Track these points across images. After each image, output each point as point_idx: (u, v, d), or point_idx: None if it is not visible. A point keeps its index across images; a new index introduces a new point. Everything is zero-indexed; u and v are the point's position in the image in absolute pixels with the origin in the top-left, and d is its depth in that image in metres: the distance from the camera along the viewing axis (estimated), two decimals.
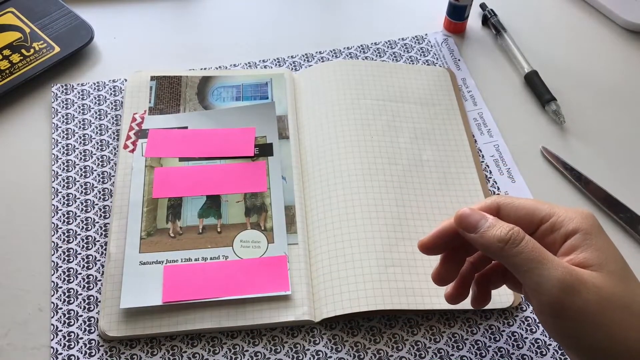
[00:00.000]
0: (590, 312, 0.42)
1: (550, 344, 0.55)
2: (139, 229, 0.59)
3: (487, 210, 0.47)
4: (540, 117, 0.71)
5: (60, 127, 0.67)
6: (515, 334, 0.56)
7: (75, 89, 0.70)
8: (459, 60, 0.76)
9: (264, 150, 0.65)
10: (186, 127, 0.66)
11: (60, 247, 0.59)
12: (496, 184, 0.65)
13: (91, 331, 0.55)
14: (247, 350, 0.54)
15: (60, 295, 0.56)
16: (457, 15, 0.77)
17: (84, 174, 0.64)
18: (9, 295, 0.57)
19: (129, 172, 0.63)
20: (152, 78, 0.70)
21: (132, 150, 0.64)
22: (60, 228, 0.60)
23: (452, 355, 0.54)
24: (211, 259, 0.58)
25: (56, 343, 0.54)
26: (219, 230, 0.60)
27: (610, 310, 0.42)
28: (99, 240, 0.60)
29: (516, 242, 0.44)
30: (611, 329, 0.42)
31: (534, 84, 0.73)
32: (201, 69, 0.73)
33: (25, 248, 0.60)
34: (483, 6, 0.81)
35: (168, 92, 0.69)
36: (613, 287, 0.43)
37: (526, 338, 0.55)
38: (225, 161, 0.64)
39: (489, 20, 0.79)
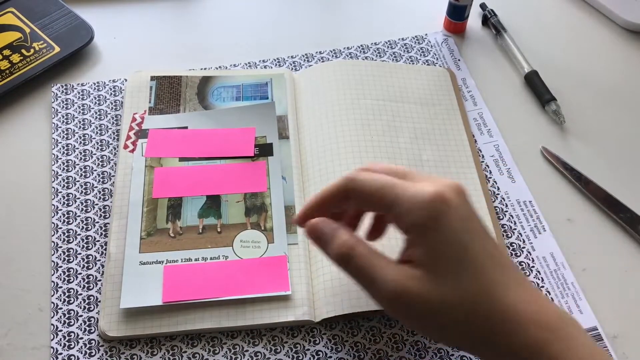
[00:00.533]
0: (420, 317, 0.43)
1: None
2: (139, 229, 0.59)
3: (336, 198, 0.47)
4: (540, 117, 0.71)
5: (60, 127, 0.67)
6: None
7: (75, 89, 0.70)
8: (459, 60, 0.76)
9: (264, 150, 0.65)
10: (186, 127, 0.66)
11: (60, 247, 0.59)
12: (496, 183, 0.65)
13: (91, 331, 0.55)
14: (247, 350, 0.54)
15: (60, 295, 0.56)
16: (457, 15, 0.77)
17: (84, 174, 0.64)
18: (9, 295, 0.57)
19: (129, 172, 0.63)
20: (152, 78, 0.70)
21: (132, 150, 0.64)
22: (60, 228, 0.60)
23: (452, 355, 0.54)
24: (211, 259, 0.58)
25: (56, 343, 0.54)
26: (219, 230, 0.60)
27: (434, 315, 0.42)
28: (99, 240, 0.60)
29: (344, 262, 0.45)
30: (438, 332, 0.43)
31: (534, 84, 0.73)
32: (201, 69, 0.73)
33: (26, 248, 0.60)
34: (483, 6, 0.81)
35: (168, 92, 0.69)
36: (437, 288, 0.42)
37: None
38: (225, 161, 0.64)
39: (489, 20, 0.79)
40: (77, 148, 0.66)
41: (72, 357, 0.53)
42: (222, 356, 0.54)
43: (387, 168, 0.47)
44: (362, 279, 0.44)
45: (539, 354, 0.40)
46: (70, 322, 0.55)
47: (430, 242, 0.42)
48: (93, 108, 0.69)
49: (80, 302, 0.56)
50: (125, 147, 0.64)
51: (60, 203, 0.62)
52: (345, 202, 0.47)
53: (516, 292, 0.42)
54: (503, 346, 0.41)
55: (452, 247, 0.42)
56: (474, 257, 0.42)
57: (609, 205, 0.63)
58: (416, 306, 0.42)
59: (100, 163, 0.65)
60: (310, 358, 0.54)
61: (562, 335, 0.41)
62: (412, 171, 0.47)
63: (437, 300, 0.41)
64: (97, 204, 0.62)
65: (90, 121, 0.68)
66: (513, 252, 0.60)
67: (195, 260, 0.58)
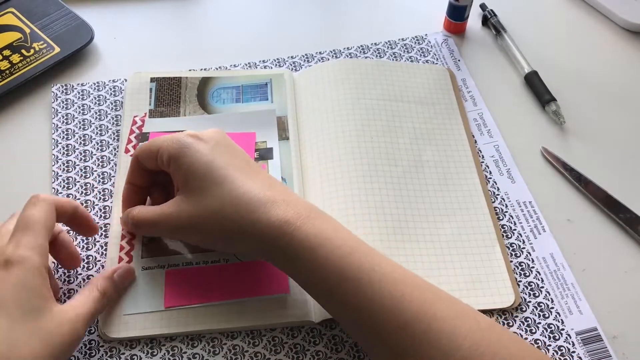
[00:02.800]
0: (179, 231, 0.54)
1: (550, 345, 0.55)
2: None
3: (137, 171, 0.58)
4: (540, 118, 0.71)
5: (60, 127, 0.67)
6: (515, 334, 0.55)
7: (75, 89, 0.70)
8: (459, 60, 0.76)
9: (265, 154, 0.64)
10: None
11: None
12: (496, 184, 0.65)
13: (91, 331, 0.55)
14: (247, 351, 0.54)
15: (61, 296, 0.56)
16: (457, 15, 0.77)
17: (84, 175, 0.64)
18: None
19: None
20: (152, 79, 0.70)
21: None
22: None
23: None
24: (212, 262, 0.58)
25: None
26: None
27: (187, 229, 0.52)
28: (99, 241, 0.60)
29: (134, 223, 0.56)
30: (204, 236, 0.53)
31: (534, 84, 0.73)
32: (201, 69, 0.73)
33: None
34: (483, 6, 0.81)
35: (168, 94, 0.69)
36: (188, 205, 0.52)
37: (526, 339, 0.55)
38: None
39: (489, 20, 0.79)
40: (77, 148, 0.66)
41: (72, 358, 0.53)
42: (222, 357, 0.54)
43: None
44: (148, 225, 0.55)
45: (279, 230, 0.48)
46: None
47: (183, 166, 0.52)
48: (93, 108, 0.69)
49: None
50: (127, 151, 0.64)
51: None
52: (143, 172, 0.57)
53: (255, 182, 0.51)
54: (252, 231, 0.49)
55: (197, 171, 0.51)
56: (218, 168, 0.51)
57: (608, 205, 0.63)
58: (171, 224, 0.52)
59: (101, 163, 0.65)
60: (310, 358, 0.54)
61: (302, 217, 0.49)
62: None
63: (179, 216, 0.52)
64: (97, 205, 0.62)
65: (91, 121, 0.68)
66: (513, 253, 0.60)
67: (196, 264, 0.58)
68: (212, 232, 0.51)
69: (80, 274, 0.58)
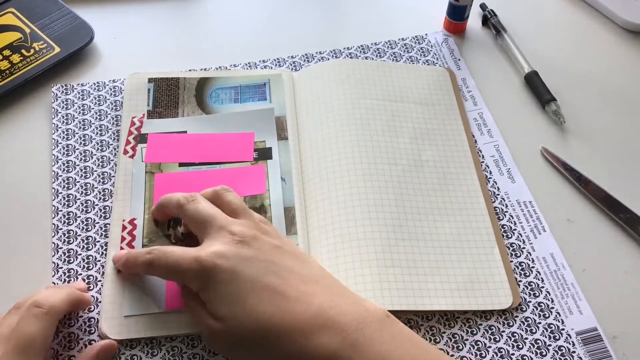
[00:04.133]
0: (228, 350, 0.50)
1: (550, 345, 0.55)
2: (140, 236, 0.59)
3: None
4: (540, 118, 0.71)
5: (60, 127, 0.67)
6: (515, 334, 0.56)
7: (75, 89, 0.70)
8: (459, 60, 0.76)
9: (264, 154, 0.64)
10: (185, 132, 0.66)
11: (61, 247, 0.59)
12: (496, 184, 0.65)
13: (91, 332, 0.55)
14: None
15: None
16: (457, 15, 0.77)
17: (84, 175, 0.64)
18: (9, 296, 0.57)
19: (130, 178, 0.62)
20: (150, 80, 0.70)
21: (132, 156, 0.64)
22: (61, 229, 0.60)
23: (452, 355, 0.54)
24: None
25: (57, 344, 0.54)
26: None
27: (238, 346, 0.48)
28: (99, 241, 0.60)
29: (149, 266, 0.53)
30: (251, 357, 0.49)
31: (534, 84, 0.73)
32: (201, 69, 0.73)
33: (26, 249, 0.60)
34: (483, 6, 0.81)
35: (166, 95, 0.69)
36: (231, 331, 0.48)
37: (526, 339, 0.55)
38: (224, 166, 0.64)
39: (489, 20, 0.79)
40: (78, 149, 0.66)
41: (72, 358, 0.53)
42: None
43: (193, 214, 0.54)
44: (169, 272, 0.52)
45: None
46: (71, 322, 0.55)
47: (209, 299, 0.49)
48: (93, 108, 0.69)
49: None
50: (125, 152, 0.64)
51: (61, 204, 0.62)
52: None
53: (297, 312, 0.47)
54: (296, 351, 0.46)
55: (225, 298, 0.48)
56: (246, 300, 0.48)
57: (608, 205, 0.63)
58: (222, 342, 0.50)
59: (101, 164, 0.65)
60: None
61: (350, 339, 0.46)
62: (214, 218, 0.53)
63: (231, 336, 0.48)
64: (97, 205, 0.62)
65: (91, 121, 0.68)
66: (513, 253, 0.60)
67: None
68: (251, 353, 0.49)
69: (81, 273, 0.58)
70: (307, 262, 0.52)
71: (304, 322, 0.47)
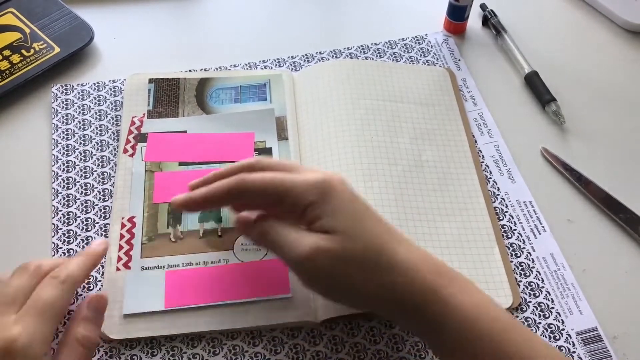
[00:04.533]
0: (327, 272, 0.47)
1: (552, 343, 0.55)
2: (140, 234, 0.59)
3: (225, 197, 0.52)
4: (540, 118, 0.71)
5: (60, 127, 0.67)
6: None
7: (75, 89, 0.70)
8: (459, 60, 0.76)
9: (264, 154, 0.64)
10: (185, 131, 0.66)
11: (61, 247, 0.59)
12: (496, 184, 0.65)
13: None
14: (247, 351, 0.54)
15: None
16: (457, 15, 0.77)
17: (84, 175, 0.64)
18: None
19: (129, 177, 0.62)
20: (150, 80, 0.70)
21: (132, 155, 0.64)
22: (61, 229, 0.60)
23: None
24: (212, 263, 0.58)
25: (56, 344, 0.54)
26: (219, 234, 0.60)
27: (342, 267, 0.47)
28: None
29: (262, 238, 0.51)
30: (348, 283, 0.47)
31: (534, 85, 0.73)
32: (201, 69, 0.73)
33: (26, 249, 0.60)
34: (483, 7, 0.81)
35: (166, 95, 0.69)
36: (343, 248, 0.47)
37: None
38: (224, 165, 0.63)
39: (489, 20, 0.79)
40: (77, 149, 0.66)
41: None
42: (222, 357, 0.54)
43: (274, 163, 0.52)
44: (278, 247, 0.49)
45: (433, 295, 0.46)
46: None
47: (328, 213, 0.48)
48: (93, 108, 0.69)
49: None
50: (125, 151, 0.64)
51: (61, 204, 0.62)
52: (236, 201, 0.53)
53: (406, 249, 0.48)
54: (401, 292, 0.46)
55: (345, 213, 0.48)
56: (365, 220, 0.49)
57: (609, 205, 0.63)
58: (326, 262, 0.47)
59: (101, 164, 0.65)
60: (310, 358, 0.54)
61: (453, 282, 0.47)
62: (298, 165, 0.53)
63: (343, 254, 0.47)
64: (97, 205, 0.62)
65: (90, 122, 0.68)
66: (513, 253, 0.60)
67: (197, 264, 0.58)
68: (358, 277, 0.47)
69: None
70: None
71: (416, 257, 0.48)
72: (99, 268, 0.58)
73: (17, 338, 0.44)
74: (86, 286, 0.57)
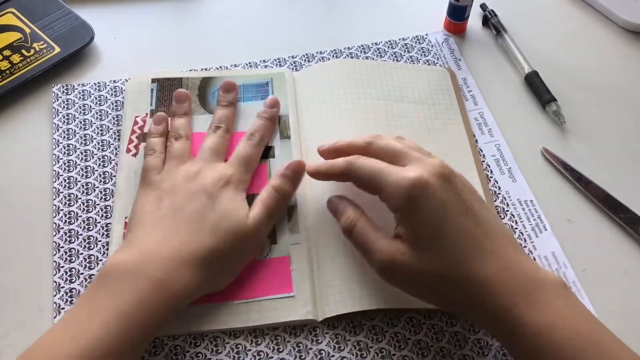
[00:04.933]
0: (403, 282, 0.51)
1: None
2: None
3: (338, 177, 0.56)
4: (540, 118, 0.71)
5: (61, 127, 0.67)
6: None
7: (76, 89, 0.70)
8: (459, 60, 0.76)
9: (266, 153, 0.64)
10: None
11: (62, 247, 0.59)
12: (497, 183, 0.65)
13: None
14: (249, 350, 0.54)
15: (63, 295, 0.56)
16: (457, 15, 0.77)
17: (85, 174, 0.64)
18: (9, 296, 0.57)
19: (132, 176, 0.62)
20: (153, 80, 0.70)
21: (135, 154, 0.64)
22: (62, 228, 0.60)
23: (455, 353, 0.54)
24: None
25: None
26: None
27: (417, 282, 0.50)
28: (100, 240, 0.60)
29: (347, 232, 0.54)
30: (423, 292, 0.51)
31: (534, 85, 0.73)
32: (202, 69, 0.73)
33: (26, 249, 0.60)
34: (483, 7, 0.81)
35: (169, 95, 0.68)
36: (419, 269, 0.48)
37: None
38: None
39: (490, 20, 0.79)
40: (78, 148, 0.66)
41: None
42: (225, 355, 0.54)
43: (383, 150, 0.54)
44: (361, 248, 0.53)
45: (504, 314, 0.46)
46: None
47: (410, 223, 0.49)
48: (94, 108, 0.69)
49: None
50: (128, 151, 0.64)
51: (62, 203, 0.62)
52: (347, 180, 0.55)
53: (489, 263, 0.48)
54: (476, 307, 0.48)
55: (427, 228, 0.49)
56: (447, 234, 0.48)
57: (609, 205, 0.64)
58: (402, 275, 0.50)
59: (102, 163, 0.65)
60: (313, 357, 0.54)
61: (530, 297, 0.46)
62: (408, 151, 0.53)
63: (418, 269, 0.48)
64: (98, 204, 0.62)
65: (91, 121, 0.68)
66: None
67: None
68: (433, 291, 0.50)
69: (82, 273, 0.58)
70: (491, 212, 0.53)
71: (495, 272, 0.47)
72: (101, 267, 0.58)
73: (231, 176, 0.58)
74: (88, 285, 0.57)
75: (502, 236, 0.50)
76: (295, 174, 0.60)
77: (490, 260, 0.48)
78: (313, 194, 0.62)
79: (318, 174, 0.57)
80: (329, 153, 0.59)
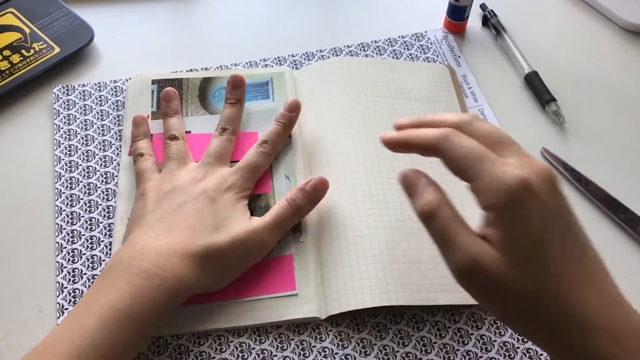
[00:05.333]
0: (485, 292, 0.43)
1: None
2: None
3: (425, 149, 0.47)
4: (540, 118, 0.71)
5: (62, 128, 0.67)
6: None
7: (77, 89, 0.70)
8: (459, 57, 0.76)
9: None
10: (189, 132, 0.66)
11: (65, 247, 0.59)
12: None
13: None
14: (253, 348, 0.54)
15: (66, 295, 0.56)
16: (457, 15, 0.78)
17: (87, 175, 0.64)
18: (10, 296, 0.57)
19: (134, 176, 0.62)
20: (153, 82, 0.70)
21: None
22: (65, 229, 0.60)
23: (458, 350, 0.55)
24: None
25: None
26: None
27: (496, 297, 0.42)
28: (103, 241, 0.60)
29: (426, 219, 0.45)
30: (497, 310, 0.43)
31: (534, 85, 0.73)
32: (202, 68, 0.73)
33: (29, 249, 0.60)
34: (483, 7, 0.81)
35: None
36: (506, 272, 0.41)
37: None
38: None
39: (489, 20, 0.79)
40: (80, 149, 0.66)
41: None
42: (229, 354, 0.54)
43: (484, 132, 0.45)
44: (440, 240, 0.45)
45: (594, 356, 0.40)
46: None
47: (507, 229, 0.41)
48: (95, 109, 0.69)
49: None
50: (130, 153, 0.64)
51: (64, 204, 0.62)
52: (434, 155, 0.47)
53: (590, 295, 0.41)
54: (563, 344, 0.41)
55: (526, 239, 0.41)
56: (547, 252, 0.41)
57: (608, 205, 0.64)
58: (483, 282, 0.42)
59: (103, 163, 0.65)
60: (316, 354, 0.54)
61: (625, 340, 0.40)
62: (514, 142, 0.45)
63: (505, 283, 0.41)
64: (100, 204, 0.62)
65: (92, 122, 0.68)
66: None
67: None
68: (515, 312, 0.42)
69: (85, 273, 0.58)
70: (584, 235, 0.44)
71: (600, 308, 0.40)
72: (104, 267, 0.58)
73: (233, 182, 0.59)
74: (91, 285, 0.57)
75: (600, 262, 0.43)
76: (315, 192, 0.58)
77: (594, 291, 0.41)
78: None
79: (396, 144, 0.49)
80: (412, 127, 0.50)
